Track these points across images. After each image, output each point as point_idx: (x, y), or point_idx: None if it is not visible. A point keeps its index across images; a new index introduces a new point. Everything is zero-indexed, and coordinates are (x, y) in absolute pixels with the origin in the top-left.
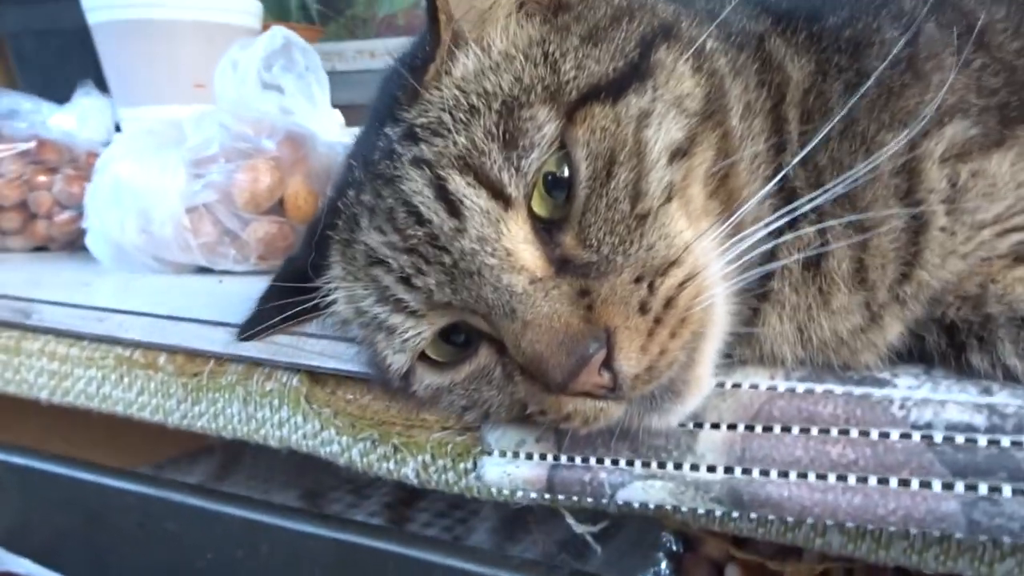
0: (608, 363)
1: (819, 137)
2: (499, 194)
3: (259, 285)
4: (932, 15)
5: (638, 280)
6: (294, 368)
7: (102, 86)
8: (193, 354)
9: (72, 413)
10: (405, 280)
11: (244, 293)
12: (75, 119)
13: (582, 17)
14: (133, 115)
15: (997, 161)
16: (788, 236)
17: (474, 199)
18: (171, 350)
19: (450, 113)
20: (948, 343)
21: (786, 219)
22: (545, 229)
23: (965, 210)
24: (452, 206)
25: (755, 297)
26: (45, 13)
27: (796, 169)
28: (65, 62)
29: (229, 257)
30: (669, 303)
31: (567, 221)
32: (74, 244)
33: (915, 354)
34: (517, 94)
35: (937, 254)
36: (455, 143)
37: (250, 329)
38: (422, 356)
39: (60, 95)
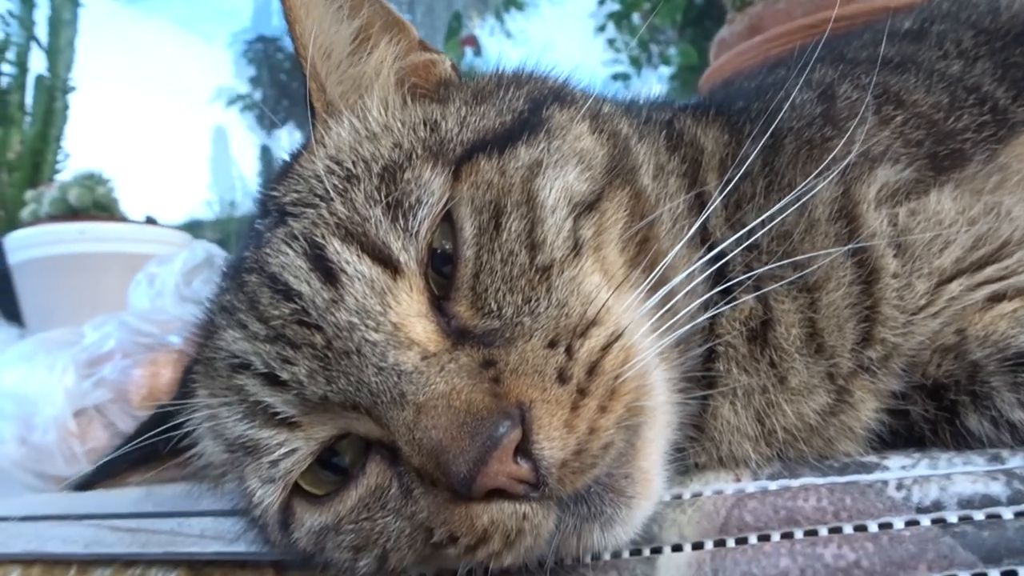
0: (526, 448)
1: (737, 176)
2: (386, 260)
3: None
4: (845, 80)
5: (553, 344)
6: (171, 561)
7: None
8: (51, 561)
9: None
10: (270, 377)
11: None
12: None
13: (465, 86)
14: None
15: (936, 198)
16: (724, 308)
17: (356, 265)
18: (26, 560)
19: (323, 181)
20: (937, 408)
21: (714, 267)
22: (439, 302)
23: (914, 252)
24: (328, 274)
25: (701, 386)
26: None
27: (724, 230)
28: None
29: None
30: (593, 369)
31: (456, 288)
32: None
33: (902, 437)
34: (398, 158)
35: (895, 307)
36: (332, 211)
37: (90, 478)
38: (299, 491)
39: None
